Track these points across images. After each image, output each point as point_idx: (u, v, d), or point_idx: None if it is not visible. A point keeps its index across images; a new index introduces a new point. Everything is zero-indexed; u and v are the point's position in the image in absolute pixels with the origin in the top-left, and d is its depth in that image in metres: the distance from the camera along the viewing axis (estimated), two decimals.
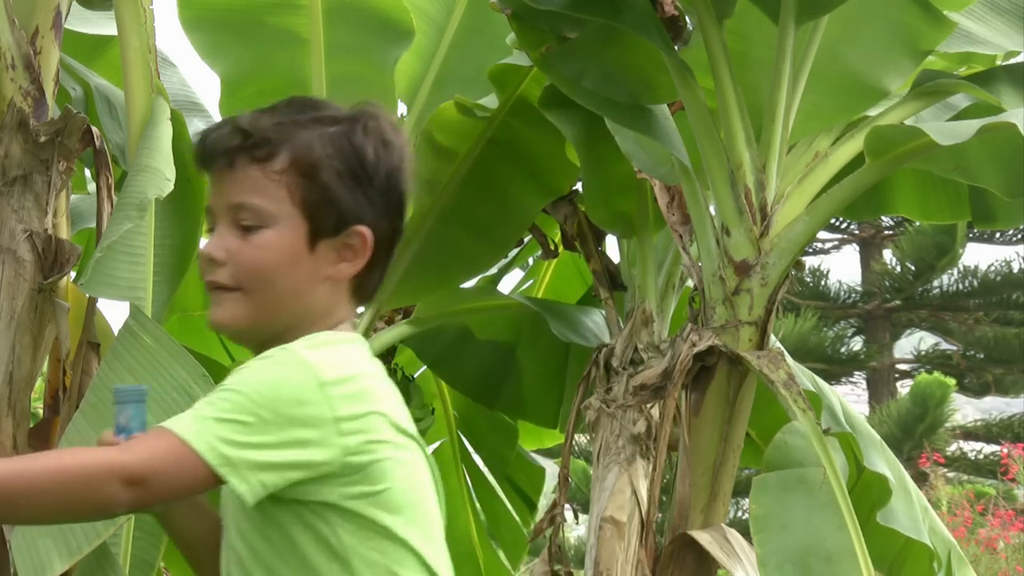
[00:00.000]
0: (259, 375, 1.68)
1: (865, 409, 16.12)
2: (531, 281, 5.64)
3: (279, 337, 1.77)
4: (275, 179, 1.77)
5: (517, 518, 5.54)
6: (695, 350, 3.60)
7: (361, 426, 1.69)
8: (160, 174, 3.27)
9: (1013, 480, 11.26)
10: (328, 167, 1.78)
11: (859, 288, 17.16)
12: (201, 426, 1.63)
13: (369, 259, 1.81)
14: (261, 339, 1.79)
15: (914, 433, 14.16)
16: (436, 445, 5.60)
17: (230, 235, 1.78)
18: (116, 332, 3.17)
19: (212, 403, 1.66)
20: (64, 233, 3.50)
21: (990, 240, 16.36)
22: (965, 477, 15.29)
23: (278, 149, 1.78)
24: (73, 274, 3.55)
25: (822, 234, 16.60)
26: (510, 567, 5.72)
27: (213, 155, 1.80)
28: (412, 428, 1.78)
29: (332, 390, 1.68)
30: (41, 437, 3.51)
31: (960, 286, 16.14)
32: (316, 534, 1.69)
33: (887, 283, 16.59)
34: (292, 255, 1.77)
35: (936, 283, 16.25)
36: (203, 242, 1.86)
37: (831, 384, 4.70)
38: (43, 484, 1.59)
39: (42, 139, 3.38)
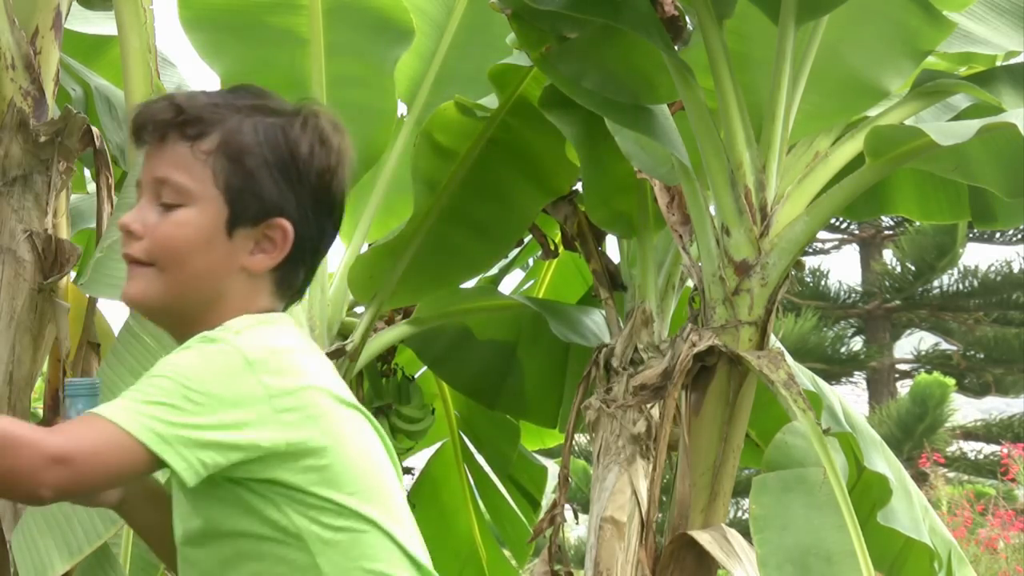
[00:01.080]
0: (184, 360, 1.65)
1: (865, 409, 16.12)
2: (532, 281, 5.64)
3: (191, 321, 1.73)
4: (202, 159, 1.73)
5: (522, 517, 5.54)
6: (695, 350, 3.60)
7: (296, 402, 1.65)
8: None
9: (1013, 480, 11.26)
10: (257, 154, 1.74)
11: (859, 288, 17.16)
12: (131, 408, 1.60)
13: (291, 255, 1.76)
14: (172, 320, 1.76)
15: (914, 433, 14.16)
16: (438, 445, 5.60)
17: (150, 209, 1.74)
18: (116, 332, 3.17)
19: (139, 389, 1.62)
20: (64, 233, 3.50)
21: (990, 240, 16.35)
22: (965, 477, 15.29)
23: (209, 129, 1.74)
24: (73, 274, 3.55)
25: (822, 234, 16.60)
26: (516, 565, 5.73)
27: (145, 127, 1.76)
28: (354, 399, 1.74)
29: (260, 368, 1.64)
30: None
31: (960, 286, 16.14)
32: (263, 517, 1.66)
33: (887, 283, 16.59)
34: (208, 237, 1.73)
35: (936, 283, 16.25)
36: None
37: (831, 384, 4.70)
38: None
39: (42, 139, 3.38)
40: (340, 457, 1.68)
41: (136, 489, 1.82)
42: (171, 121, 1.75)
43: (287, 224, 1.75)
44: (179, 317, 1.75)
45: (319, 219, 1.79)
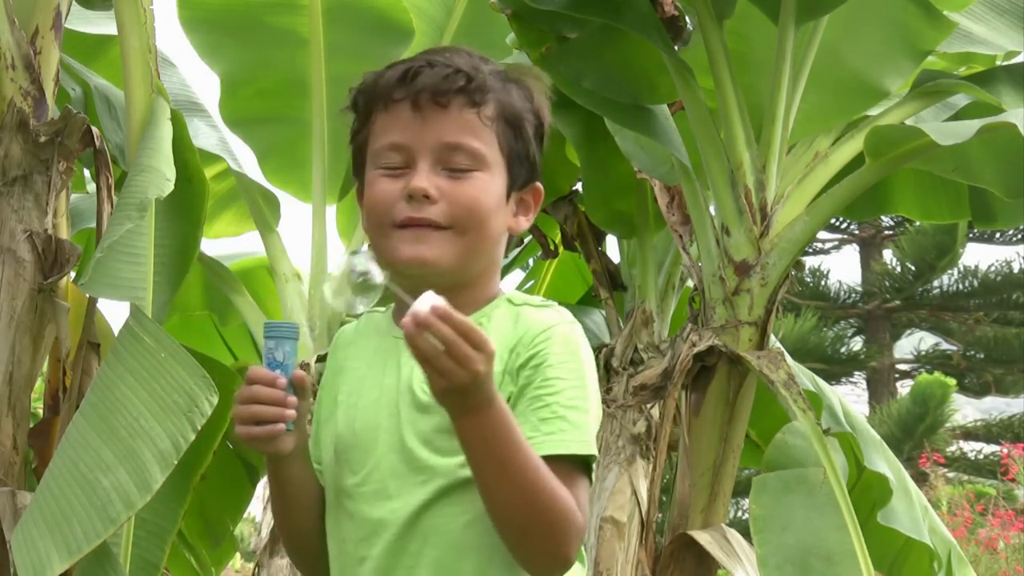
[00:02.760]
0: (580, 359, 1.73)
1: (865, 409, 16.12)
2: (532, 281, 5.64)
3: (467, 285, 1.76)
4: (488, 125, 1.76)
5: None
6: (695, 350, 3.60)
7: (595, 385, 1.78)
8: (160, 174, 3.27)
9: (1013, 480, 11.25)
10: (528, 120, 1.80)
11: (859, 288, 17.16)
12: (589, 439, 1.68)
13: None
14: (453, 283, 1.75)
15: (914, 433, 14.16)
16: None
17: (434, 175, 1.74)
18: (116, 332, 3.17)
19: (576, 408, 1.69)
20: (64, 233, 3.50)
21: (990, 240, 16.36)
22: (965, 477, 15.28)
23: (489, 96, 1.77)
24: (73, 274, 3.54)
25: (822, 234, 16.61)
26: None
27: (422, 91, 1.75)
28: None
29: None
30: (41, 437, 3.51)
31: (960, 286, 16.15)
32: None
33: (887, 283, 16.59)
34: (499, 201, 1.77)
35: (936, 283, 16.25)
36: (386, 183, 1.77)
37: (831, 384, 4.69)
38: (537, 495, 1.61)
39: (42, 139, 3.38)
40: None
41: (302, 440, 1.78)
42: (462, 88, 1.75)
43: (542, 188, 1.82)
44: (462, 280, 1.77)
45: None
